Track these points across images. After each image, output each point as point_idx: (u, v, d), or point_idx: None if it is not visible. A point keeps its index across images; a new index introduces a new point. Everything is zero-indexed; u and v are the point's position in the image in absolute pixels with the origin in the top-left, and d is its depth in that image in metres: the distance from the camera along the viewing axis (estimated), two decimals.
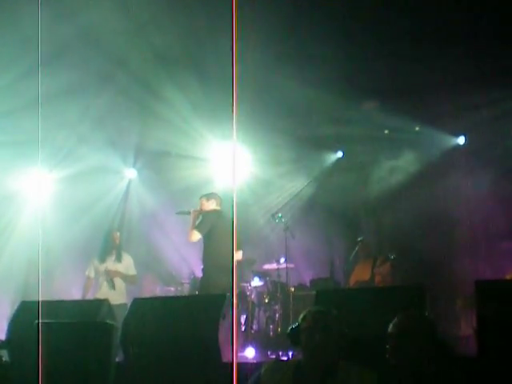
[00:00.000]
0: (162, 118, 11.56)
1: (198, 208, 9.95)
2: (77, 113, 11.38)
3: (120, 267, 10.55)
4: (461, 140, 12.69)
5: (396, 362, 4.13)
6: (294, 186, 13.91)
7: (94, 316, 6.93)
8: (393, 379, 4.17)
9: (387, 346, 4.20)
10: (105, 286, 10.42)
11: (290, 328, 4.71)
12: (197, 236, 9.58)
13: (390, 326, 4.25)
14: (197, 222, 9.75)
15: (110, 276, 10.41)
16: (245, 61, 9.11)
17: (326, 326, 4.46)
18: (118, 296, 10.17)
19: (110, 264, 10.54)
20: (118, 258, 10.61)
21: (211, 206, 9.91)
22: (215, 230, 9.56)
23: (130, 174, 13.90)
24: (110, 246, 10.67)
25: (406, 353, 4.09)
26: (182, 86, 10.79)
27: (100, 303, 7.51)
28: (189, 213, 9.91)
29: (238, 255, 9.93)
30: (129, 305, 9.27)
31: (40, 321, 6.20)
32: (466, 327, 9.46)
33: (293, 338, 4.58)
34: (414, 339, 4.11)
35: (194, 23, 9.35)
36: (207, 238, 9.59)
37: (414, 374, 4.07)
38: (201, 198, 10.08)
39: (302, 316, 4.68)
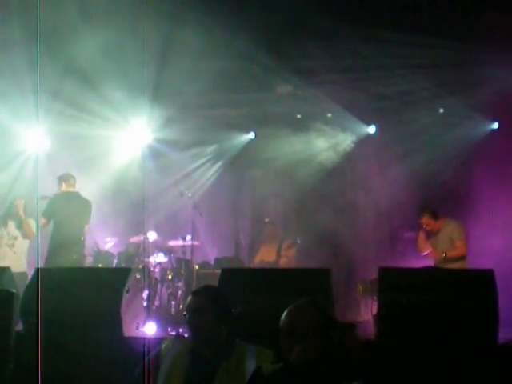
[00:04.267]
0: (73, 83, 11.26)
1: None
2: None
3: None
4: (371, 129, 12.87)
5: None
6: (205, 164, 13.87)
7: None
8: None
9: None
10: (3, 252, 10.21)
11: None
12: (42, 222, 10.07)
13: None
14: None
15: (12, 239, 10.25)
16: (158, 37, 9.12)
17: (200, 306, 4.51)
18: (18, 264, 9.97)
19: (12, 230, 10.35)
20: (19, 226, 10.41)
21: (61, 188, 10.41)
22: (62, 211, 10.08)
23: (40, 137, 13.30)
24: (12, 213, 10.46)
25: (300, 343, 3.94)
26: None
27: (1, 271, 7.35)
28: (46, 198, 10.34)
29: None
30: (29, 274, 9.16)
31: None
32: (365, 312, 9.66)
33: (185, 319, 4.62)
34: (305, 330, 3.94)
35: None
36: (56, 217, 10.11)
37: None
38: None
39: None
